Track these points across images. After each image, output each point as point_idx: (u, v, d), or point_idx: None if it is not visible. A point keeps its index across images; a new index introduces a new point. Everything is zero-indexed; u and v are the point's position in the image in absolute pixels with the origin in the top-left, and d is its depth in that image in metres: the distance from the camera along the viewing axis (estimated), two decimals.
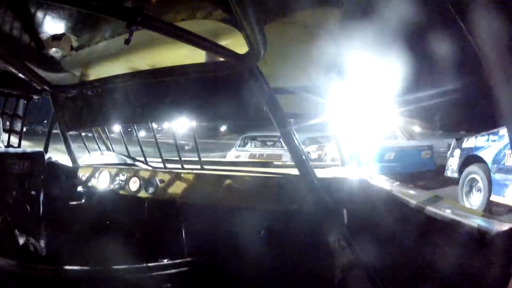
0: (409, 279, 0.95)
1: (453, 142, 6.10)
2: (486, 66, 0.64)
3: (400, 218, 1.14)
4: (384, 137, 8.80)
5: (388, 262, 1.02)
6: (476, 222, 0.81)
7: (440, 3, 0.70)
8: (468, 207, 4.62)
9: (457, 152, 5.75)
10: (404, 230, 1.10)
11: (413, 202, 1.10)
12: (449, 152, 6.14)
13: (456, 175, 5.70)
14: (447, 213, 0.91)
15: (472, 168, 5.19)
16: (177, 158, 2.21)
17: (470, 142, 5.46)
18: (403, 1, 1.04)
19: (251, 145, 9.12)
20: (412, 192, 1.28)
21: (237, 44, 1.34)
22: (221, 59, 1.55)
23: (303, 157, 1.47)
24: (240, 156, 8.18)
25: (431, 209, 0.98)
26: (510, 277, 0.59)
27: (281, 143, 10.37)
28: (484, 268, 0.65)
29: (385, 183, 1.50)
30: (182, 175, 2.01)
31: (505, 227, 0.74)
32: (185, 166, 2.16)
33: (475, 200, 4.99)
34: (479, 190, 4.97)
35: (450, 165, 5.92)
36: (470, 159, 5.32)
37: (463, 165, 5.49)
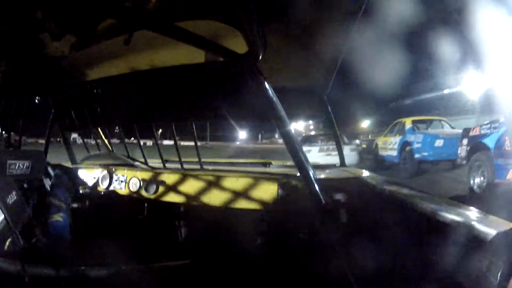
0: (408, 279, 0.95)
1: (462, 131, 6.48)
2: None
3: (399, 219, 1.14)
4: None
5: (387, 262, 1.02)
6: (476, 221, 0.81)
7: None
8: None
9: (465, 140, 6.10)
10: (403, 230, 1.10)
11: (412, 202, 1.10)
12: (459, 141, 6.53)
13: (464, 162, 6.09)
14: (447, 213, 0.91)
15: (478, 155, 5.53)
16: (177, 159, 2.22)
17: (476, 130, 5.76)
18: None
19: (311, 143, 10.20)
20: (412, 192, 1.28)
21: (237, 44, 1.34)
22: (221, 59, 1.55)
23: (303, 157, 1.47)
24: (311, 150, 9.33)
25: (430, 209, 0.98)
26: (510, 277, 0.59)
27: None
28: (484, 268, 0.65)
29: (384, 183, 1.50)
30: (182, 175, 2.01)
31: (505, 227, 0.74)
32: (185, 166, 2.16)
33: (482, 184, 5.42)
34: (483, 175, 5.37)
35: (460, 153, 6.31)
36: (476, 146, 5.63)
37: (470, 152, 5.82)
